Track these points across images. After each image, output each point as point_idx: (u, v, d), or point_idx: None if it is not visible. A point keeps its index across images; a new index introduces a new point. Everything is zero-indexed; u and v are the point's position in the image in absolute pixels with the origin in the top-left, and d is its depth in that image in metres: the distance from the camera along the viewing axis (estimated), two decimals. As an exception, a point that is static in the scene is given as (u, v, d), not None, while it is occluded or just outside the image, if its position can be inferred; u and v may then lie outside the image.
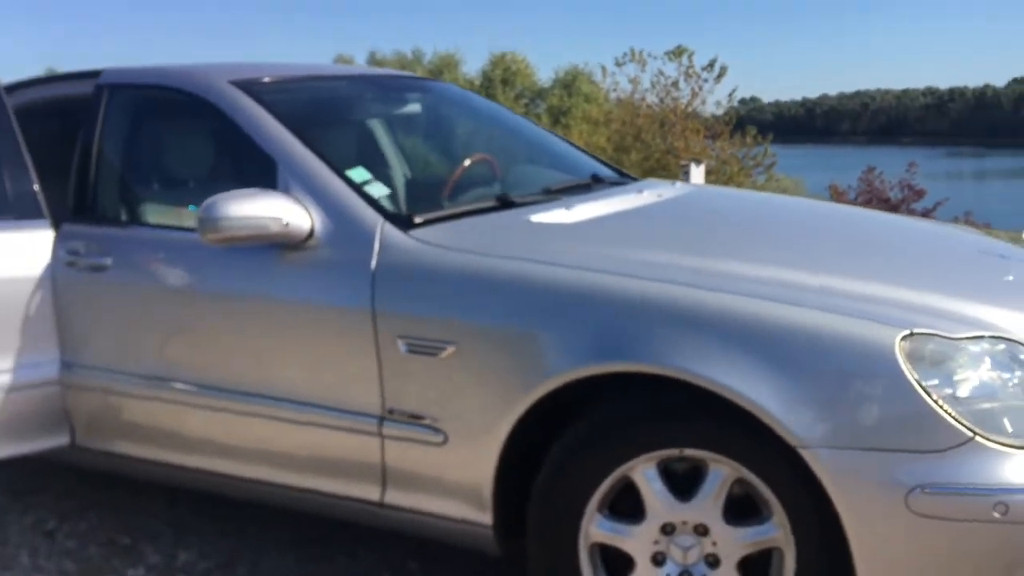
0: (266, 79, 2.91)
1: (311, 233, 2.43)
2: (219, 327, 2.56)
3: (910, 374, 1.80)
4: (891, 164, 16.20)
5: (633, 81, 22.39)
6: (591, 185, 3.06)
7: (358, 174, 2.60)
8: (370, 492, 2.42)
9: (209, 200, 2.38)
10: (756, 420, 1.88)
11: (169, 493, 3.28)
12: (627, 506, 2.07)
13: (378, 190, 2.58)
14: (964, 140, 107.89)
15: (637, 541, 2.05)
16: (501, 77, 40.29)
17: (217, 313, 2.55)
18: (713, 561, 2.02)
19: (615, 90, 23.54)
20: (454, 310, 2.21)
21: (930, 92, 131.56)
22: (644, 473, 2.03)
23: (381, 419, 2.33)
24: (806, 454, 1.83)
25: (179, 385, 2.63)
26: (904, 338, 1.84)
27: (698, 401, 1.96)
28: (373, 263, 2.33)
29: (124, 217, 2.86)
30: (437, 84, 3.66)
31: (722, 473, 1.98)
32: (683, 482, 2.03)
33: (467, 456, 2.23)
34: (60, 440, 2.94)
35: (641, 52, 22.70)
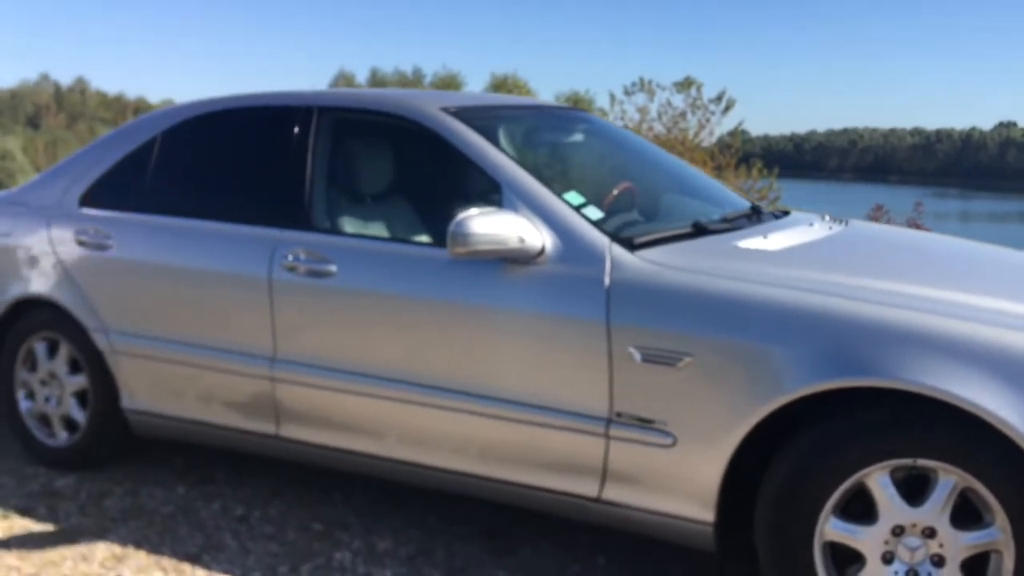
0: (471, 107, 3.16)
1: (542, 250, 2.67)
2: (446, 333, 2.78)
3: None
4: (878, 201, 16.60)
5: (641, 110, 22.87)
6: (760, 216, 3.31)
7: (574, 198, 2.85)
8: (588, 488, 2.65)
9: (459, 218, 2.63)
10: (988, 431, 2.14)
11: (344, 486, 3.50)
12: (857, 508, 2.32)
13: (594, 213, 2.82)
14: (950, 181, 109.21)
15: (869, 541, 2.30)
16: (503, 99, 40.65)
17: (444, 320, 2.78)
18: (938, 561, 2.26)
19: (622, 118, 24.01)
20: (692, 325, 2.45)
21: (918, 132, 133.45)
22: (878, 479, 2.27)
23: (608, 421, 2.57)
24: (1042, 463, 2.09)
25: (401, 385, 2.85)
26: None
27: (933, 415, 2.21)
28: (607, 280, 2.58)
29: (347, 229, 3.09)
30: (595, 118, 3.93)
31: (952, 481, 2.23)
32: (910, 488, 2.28)
33: (696, 458, 2.47)
34: (267, 428, 3.17)
35: (650, 82, 23.16)
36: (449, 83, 43.20)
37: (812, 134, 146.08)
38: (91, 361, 3.55)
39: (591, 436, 2.60)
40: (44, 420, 3.74)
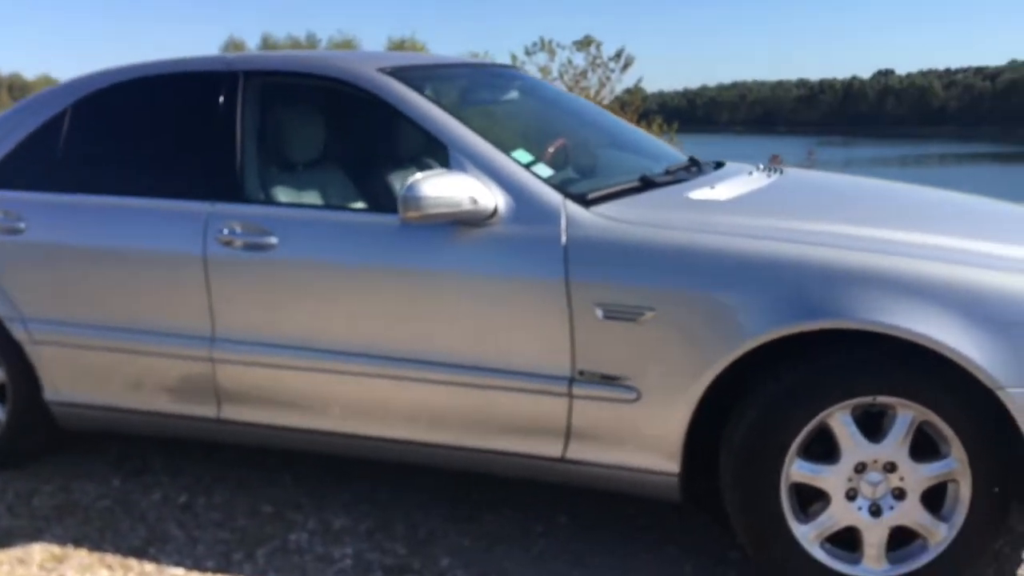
0: (408, 67, 3.06)
1: (494, 211, 2.61)
2: (399, 301, 2.70)
3: None
4: (769, 151, 17.13)
5: (543, 70, 22.87)
6: (700, 167, 3.31)
7: (522, 155, 2.80)
8: (551, 448, 2.64)
9: (409, 181, 2.55)
10: (942, 365, 2.20)
11: (290, 467, 3.41)
12: (819, 449, 2.36)
13: (544, 171, 2.77)
14: (834, 129, 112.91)
15: (833, 479, 2.35)
16: (401, 64, 40.02)
17: (395, 288, 2.70)
18: (899, 494, 2.33)
19: (525, 78, 23.98)
20: (653, 279, 2.44)
21: (803, 84, 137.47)
22: (840, 419, 2.32)
23: (571, 380, 2.55)
24: (1002, 395, 2.15)
25: (353, 357, 2.77)
26: None
27: (889, 353, 2.26)
28: (563, 238, 2.54)
29: (284, 198, 2.96)
30: (527, 75, 3.86)
31: (910, 416, 2.29)
32: (866, 426, 2.33)
33: (661, 411, 2.47)
34: (207, 411, 3.04)
35: (551, 41, 23.15)
36: (345, 48, 42.25)
37: (704, 89, 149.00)
38: (7, 353, 3.34)
39: (554, 396, 2.58)
40: (-42, 419, 3.51)
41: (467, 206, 2.58)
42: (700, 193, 2.83)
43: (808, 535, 2.38)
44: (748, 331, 2.33)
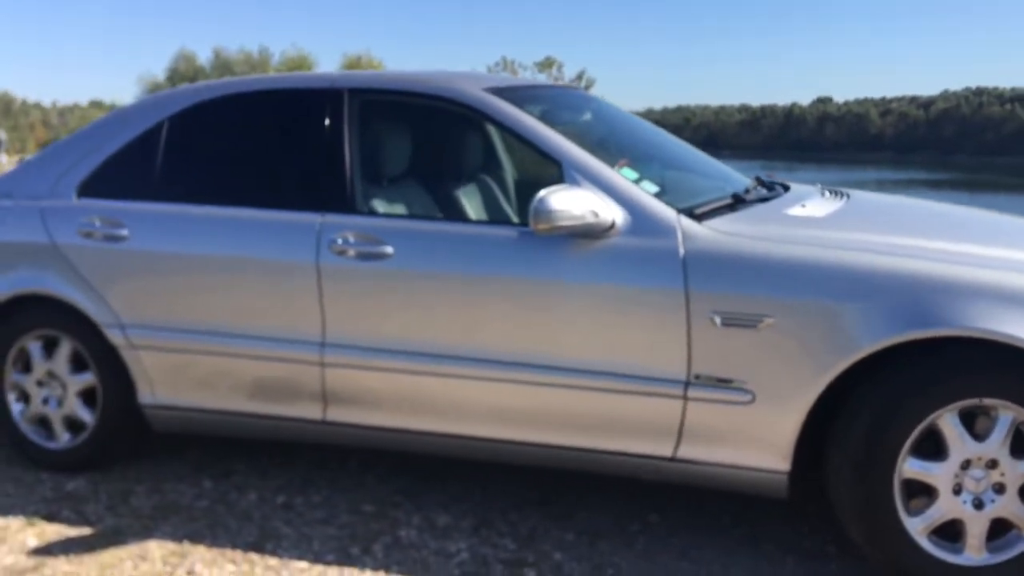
0: (508, 87, 3.23)
1: (612, 224, 2.79)
2: (518, 309, 2.85)
3: None
4: None
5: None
6: (775, 187, 3.52)
7: (629, 173, 2.98)
8: (663, 448, 2.81)
9: (540, 195, 2.71)
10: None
11: (374, 470, 3.52)
12: (927, 448, 2.57)
13: (650, 187, 2.96)
14: (776, 154, 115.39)
15: (942, 475, 2.56)
16: (358, 79, 40.08)
17: (514, 296, 2.85)
18: (999, 488, 2.55)
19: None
20: (772, 289, 2.63)
21: (745, 109, 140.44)
22: (949, 420, 2.53)
23: (687, 384, 2.73)
24: (1096, 397, 2.39)
25: (470, 362, 2.91)
26: None
27: (992, 358, 2.49)
28: (681, 250, 2.73)
29: (394, 210, 3.10)
30: (596, 97, 4.06)
31: (1011, 417, 2.51)
32: (965, 426, 2.55)
33: (774, 413, 2.66)
34: (312, 414, 3.15)
35: (512, 62, 23.56)
36: (300, 64, 42.21)
37: (650, 112, 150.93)
38: (100, 358, 3.41)
39: (669, 399, 2.75)
40: (42, 423, 3.56)
41: (590, 219, 2.75)
42: (796, 211, 3.05)
43: (917, 527, 2.58)
44: (865, 339, 2.53)
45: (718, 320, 2.67)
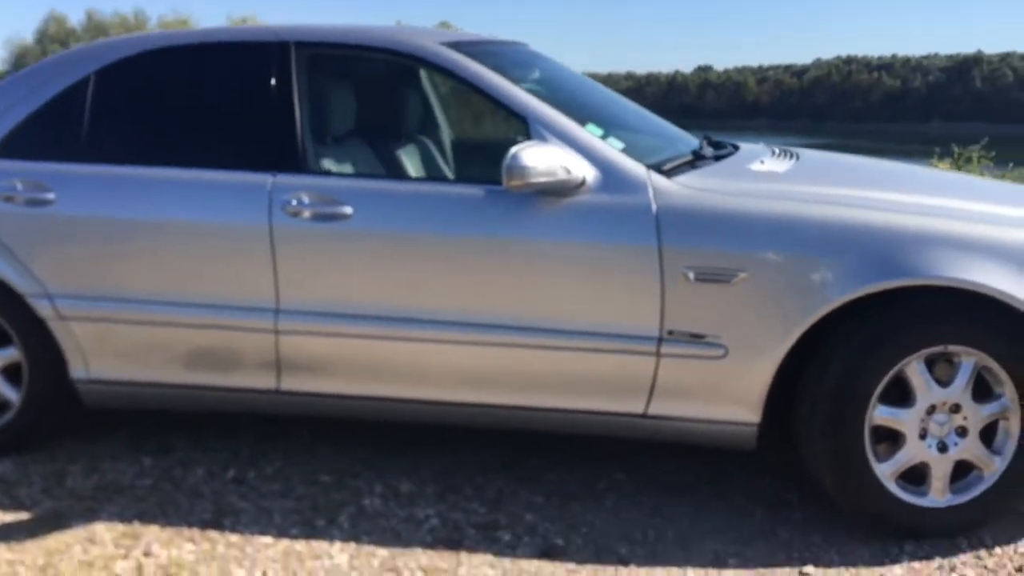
0: (464, 42, 3.12)
1: (582, 181, 2.74)
2: (486, 268, 2.78)
3: None
4: None
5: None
6: (727, 146, 3.53)
7: (593, 129, 2.93)
8: (634, 405, 2.80)
9: (512, 151, 2.64)
10: (1001, 314, 2.52)
11: (326, 439, 3.40)
12: (892, 395, 2.64)
13: (616, 143, 2.92)
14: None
15: (908, 421, 2.63)
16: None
17: (480, 256, 2.78)
18: (961, 432, 2.64)
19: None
20: (745, 243, 2.64)
21: (631, 76, 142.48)
22: (916, 367, 2.60)
23: (659, 340, 2.72)
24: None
25: (436, 325, 2.82)
26: None
27: (957, 306, 2.57)
28: (654, 206, 2.70)
29: (349, 170, 2.96)
30: (542, 54, 3.95)
31: (973, 362, 2.60)
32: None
33: (747, 366, 2.68)
34: (266, 383, 3.01)
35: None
36: (179, 27, 40.40)
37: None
38: (25, 331, 3.17)
39: (642, 356, 2.73)
40: (-43, 402, 3.29)
41: (561, 176, 2.69)
42: (758, 167, 3.06)
43: (886, 472, 2.65)
44: (836, 290, 2.57)
45: (691, 275, 2.66)
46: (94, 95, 3.15)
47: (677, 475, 3.13)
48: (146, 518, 2.85)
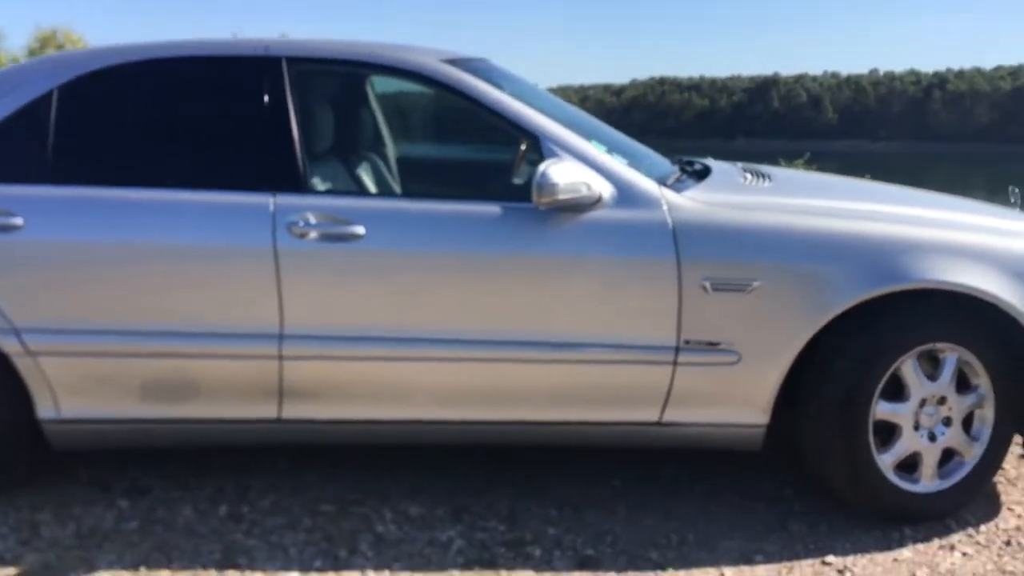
0: (461, 59, 3.11)
1: (599, 197, 2.81)
2: (505, 286, 2.79)
3: None
4: None
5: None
6: (700, 164, 3.65)
7: (599, 146, 3.00)
8: (649, 414, 2.88)
9: (541, 169, 2.68)
10: (984, 315, 2.78)
11: (316, 468, 3.29)
12: (889, 391, 2.85)
13: (621, 160, 3.00)
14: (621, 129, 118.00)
15: (904, 415, 2.84)
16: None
17: (499, 273, 2.79)
18: (946, 422, 2.88)
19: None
20: (758, 253, 2.77)
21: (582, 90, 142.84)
22: (910, 364, 2.82)
23: (676, 349, 2.82)
24: (1034, 327, 2.78)
25: (454, 344, 2.80)
26: None
27: (942, 306, 2.81)
28: (670, 221, 2.80)
29: (359, 188, 2.89)
30: (509, 72, 3.95)
31: (956, 357, 2.85)
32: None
33: (758, 370, 2.82)
34: (267, 413, 2.89)
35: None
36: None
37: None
38: (-15, 369, 2.89)
39: (659, 365, 2.82)
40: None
41: (583, 192, 2.75)
42: (751, 182, 3.22)
43: (887, 463, 2.86)
44: (842, 296, 2.75)
45: (709, 286, 2.78)
46: (58, 113, 2.93)
47: (670, 478, 3.24)
48: (151, 564, 2.67)
